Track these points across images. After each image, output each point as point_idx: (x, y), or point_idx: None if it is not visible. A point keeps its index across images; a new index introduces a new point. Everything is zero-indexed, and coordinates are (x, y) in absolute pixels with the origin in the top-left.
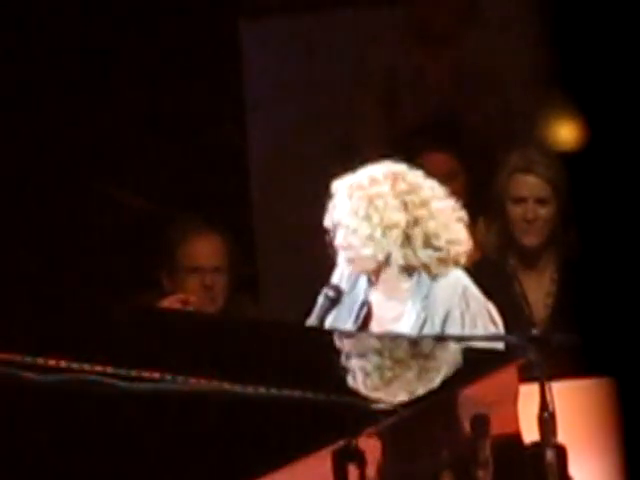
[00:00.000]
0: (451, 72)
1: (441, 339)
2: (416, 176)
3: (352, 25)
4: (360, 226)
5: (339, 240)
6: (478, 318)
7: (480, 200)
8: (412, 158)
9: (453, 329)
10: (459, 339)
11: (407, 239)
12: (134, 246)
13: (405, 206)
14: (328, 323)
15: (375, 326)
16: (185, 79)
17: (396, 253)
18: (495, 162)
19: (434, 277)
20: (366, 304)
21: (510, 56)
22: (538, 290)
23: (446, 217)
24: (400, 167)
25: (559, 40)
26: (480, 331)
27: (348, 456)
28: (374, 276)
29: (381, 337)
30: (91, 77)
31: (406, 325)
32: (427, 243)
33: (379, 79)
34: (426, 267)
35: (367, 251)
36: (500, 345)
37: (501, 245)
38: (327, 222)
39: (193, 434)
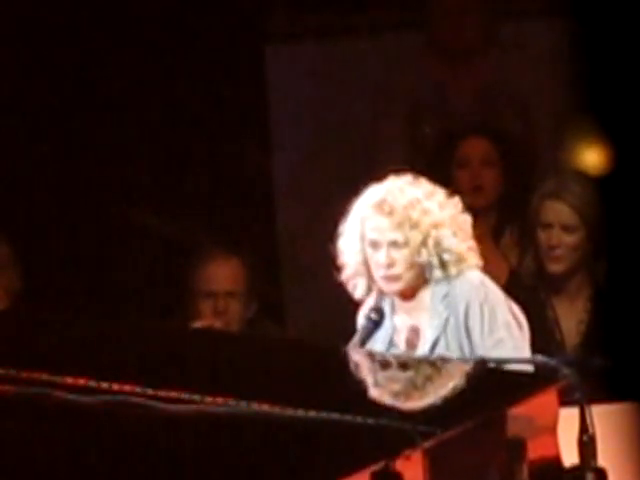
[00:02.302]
0: (473, 91)
1: (481, 361)
2: (424, 183)
3: (373, 50)
4: (411, 236)
5: (381, 260)
6: (497, 309)
7: (509, 208)
8: (453, 145)
9: (474, 322)
10: (499, 362)
11: (453, 233)
12: (158, 271)
13: (439, 205)
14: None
15: (411, 345)
16: (211, 105)
17: (448, 248)
18: (525, 184)
19: (451, 276)
20: (398, 328)
21: (534, 77)
22: (570, 317)
23: (461, 218)
24: (406, 178)
25: (585, 63)
26: (499, 323)
27: (387, 477)
28: (409, 293)
29: (420, 359)
30: (124, 107)
31: (431, 328)
32: (462, 237)
33: (401, 101)
34: (464, 259)
35: (420, 258)
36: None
37: (535, 270)
38: (344, 247)
39: (232, 456)
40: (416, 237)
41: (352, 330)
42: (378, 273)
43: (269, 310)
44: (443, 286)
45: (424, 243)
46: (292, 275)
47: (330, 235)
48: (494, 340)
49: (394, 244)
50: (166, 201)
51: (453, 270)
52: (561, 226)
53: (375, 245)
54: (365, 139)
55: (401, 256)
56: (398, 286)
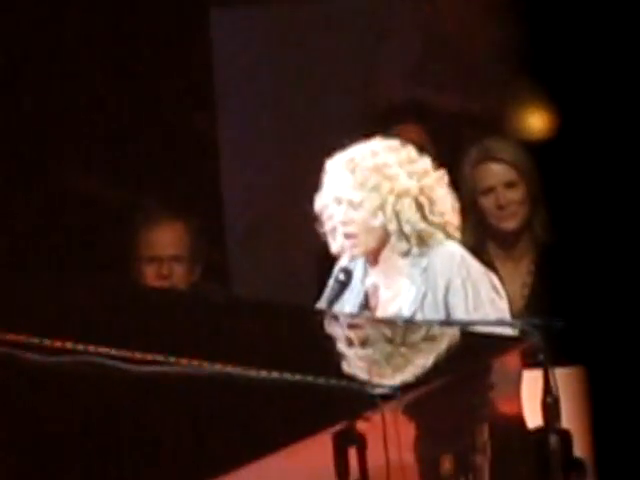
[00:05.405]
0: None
1: (446, 323)
2: (409, 150)
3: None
4: (368, 197)
5: (339, 217)
6: (480, 285)
7: None
8: (387, 131)
9: (456, 298)
10: (464, 324)
11: (417, 206)
12: (101, 235)
13: (410, 175)
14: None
15: (379, 308)
16: (156, 68)
17: (408, 220)
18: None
19: (430, 248)
20: (368, 291)
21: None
22: (515, 281)
23: (444, 188)
24: (392, 142)
25: (530, 24)
26: (483, 299)
27: (348, 440)
28: (372, 257)
29: (383, 321)
30: (60, 62)
31: (406, 300)
32: (432, 211)
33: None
34: (430, 235)
35: (376, 222)
36: (505, 330)
37: (477, 235)
38: (319, 203)
39: (192, 417)
40: (373, 200)
41: (298, 292)
42: (338, 230)
43: (214, 273)
44: (422, 259)
45: (381, 208)
46: (237, 238)
47: (277, 198)
48: (480, 316)
49: (351, 203)
50: (110, 165)
51: (415, 245)
52: (503, 184)
53: (338, 202)
54: (313, 105)
55: (357, 216)
56: (358, 250)
